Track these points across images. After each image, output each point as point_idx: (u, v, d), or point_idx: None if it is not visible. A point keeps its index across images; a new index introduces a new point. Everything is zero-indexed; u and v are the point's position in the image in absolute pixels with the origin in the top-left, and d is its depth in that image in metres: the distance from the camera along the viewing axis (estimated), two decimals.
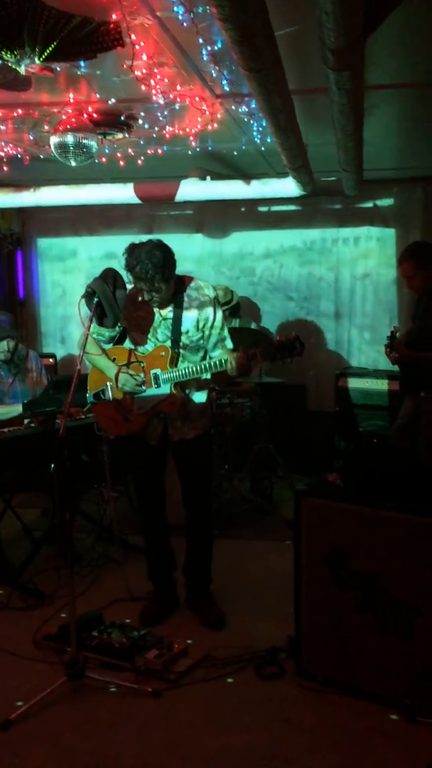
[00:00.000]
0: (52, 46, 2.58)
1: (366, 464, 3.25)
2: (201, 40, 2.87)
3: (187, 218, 6.94)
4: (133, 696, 3.07)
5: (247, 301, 6.76)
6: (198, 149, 4.80)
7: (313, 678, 3.14)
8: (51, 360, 6.69)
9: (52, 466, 3.06)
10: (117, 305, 3.40)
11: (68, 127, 3.83)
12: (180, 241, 6.82)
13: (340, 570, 3.05)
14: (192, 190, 5.13)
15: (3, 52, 2.62)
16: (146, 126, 4.23)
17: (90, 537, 4.74)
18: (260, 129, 4.23)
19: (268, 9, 2.10)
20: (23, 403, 4.42)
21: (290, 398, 6.52)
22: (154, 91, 3.40)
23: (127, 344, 3.70)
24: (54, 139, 3.87)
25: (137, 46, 2.88)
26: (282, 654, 3.33)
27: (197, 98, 3.75)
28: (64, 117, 3.91)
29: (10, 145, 4.74)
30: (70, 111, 3.93)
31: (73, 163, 3.94)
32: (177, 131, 4.29)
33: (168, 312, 3.54)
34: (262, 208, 6.71)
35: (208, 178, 5.20)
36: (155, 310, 3.55)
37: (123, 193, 5.26)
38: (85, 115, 3.96)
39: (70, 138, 3.83)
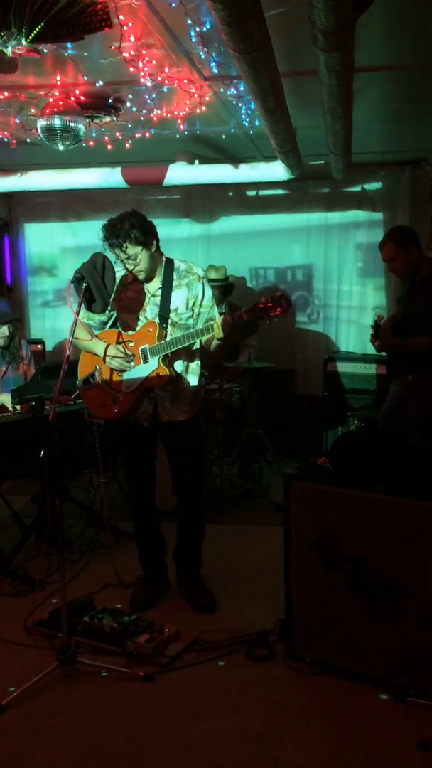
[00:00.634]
0: (39, 26, 2.54)
1: (354, 447, 3.26)
2: (189, 21, 2.84)
3: (175, 203, 6.91)
4: (124, 680, 3.08)
5: (241, 281, 6.75)
6: (186, 133, 4.76)
7: (303, 660, 3.16)
8: (39, 346, 6.66)
9: (42, 452, 3.04)
10: (106, 290, 3.38)
11: (55, 110, 3.79)
12: (168, 226, 6.80)
13: (329, 553, 3.07)
14: (180, 174, 5.11)
15: None
16: (134, 109, 4.20)
17: (80, 523, 4.73)
18: (249, 112, 4.20)
19: None
20: (12, 390, 4.40)
21: (279, 383, 6.54)
22: (142, 74, 3.37)
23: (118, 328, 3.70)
24: (41, 123, 3.83)
25: (125, 27, 2.85)
26: (272, 637, 3.36)
27: (185, 81, 3.72)
28: (51, 100, 3.86)
29: None
30: (57, 94, 3.89)
31: (61, 147, 3.90)
32: (165, 114, 4.26)
33: (157, 289, 3.55)
34: (250, 193, 6.69)
35: (197, 162, 5.17)
36: (144, 288, 3.55)
37: (110, 177, 5.23)
38: (73, 98, 3.92)
39: (57, 121, 3.79)
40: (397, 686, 2.92)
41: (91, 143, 4.83)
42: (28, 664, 3.19)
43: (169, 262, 3.59)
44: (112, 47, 3.01)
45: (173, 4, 2.65)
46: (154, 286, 3.57)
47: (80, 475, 5.08)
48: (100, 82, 3.67)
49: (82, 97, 3.94)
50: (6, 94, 3.95)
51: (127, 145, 4.88)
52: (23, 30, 2.54)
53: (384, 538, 2.93)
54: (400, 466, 3.09)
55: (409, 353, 4.39)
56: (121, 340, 3.61)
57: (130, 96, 3.99)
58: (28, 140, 4.81)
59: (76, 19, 2.58)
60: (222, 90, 3.84)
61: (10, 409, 4.45)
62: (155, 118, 4.30)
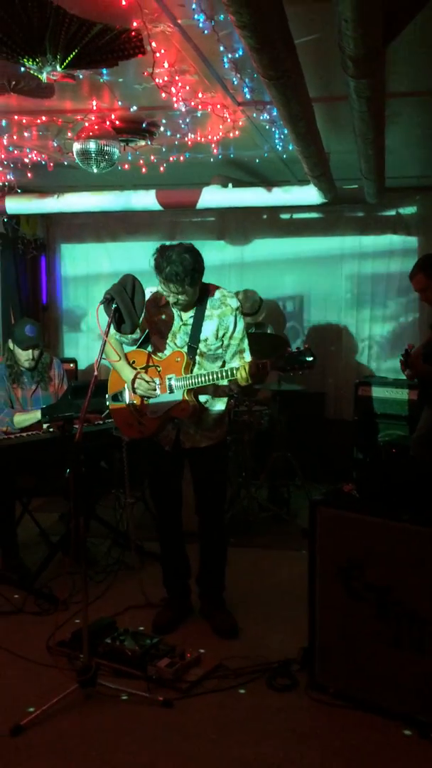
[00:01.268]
0: (74, 53, 2.59)
1: (383, 475, 3.21)
2: (222, 48, 2.87)
3: (209, 225, 6.96)
4: (144, 705, 3.05)
5: (273, 305, 6.74)
6: (220, 156, 4.80)
7: (325, 691, 3.10)
8: (71, 365, 6.73)
9: (68, 471, 3.06)
10: (135, 311, 3.39)
11: (91, 134, 3.85)
12: (202, 248, 6.81)
13: (354, 581, 3.02)
14: (214, 197, 5.14)
15: (25, 60, 2.64)
16: (168, 133, 4.24)
17: (106, 542, 4.74)
18: (282, 137, 4.22)
19: (287, 16, 2.09)
20: (42, 408, 4.44)
21: (309, 406, 6.49)
22: (174, 99, 3.40)
23: (148, 348, 3.71)
24: (76, 146, 3.89)
25: (158, 54, 2.89)
26: (295, 666, 3.30)
27: (219, 106, 3.75)
28: (86, 124, 3.93)
29: (35, 152, 4.78)
30: (93, 118, 3.96)
31: (95, 170, 3.96)
32: (199, 138, 4.30)
33: (189, 318, 3.54)
34: (284, 216, 6.70)
35: (230, 185, 5.20)
36: (176, 314, 3.55)
37: (145, 199, 5.28)
38: (108, 123, 3.98)
39: (92, 145, 3.85)
40: (422, 722, 2.84)
41: (126, 166, 4.90)
42: (48, 684, 3.18)
43: (204, 290, 3.55)
44: (146, 73, 3.04)
45: (206, 32, 2.68)
46: (187, 315, 3.55)
47: (108, 494, 5.09)
48: (135, 107, 3.72)
49: (117, 122, 4.00)
50: (44, 118, 4.03)
51: (161, 169, 4.93)
52: (58, 56, 2.59)
53: (410, 568, 2.88)
54: (428, 495, 3.04)
55: None
56: (150, 364, 3.62)
57: (164, 120, 4.04)
58: (66, 163, 4.89)
59: (110, 46, 2.63)
60: (255, 115, 3.87)
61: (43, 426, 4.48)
62: (189, 142, 4.34)
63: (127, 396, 3.69)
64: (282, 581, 4.35)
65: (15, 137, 4.36)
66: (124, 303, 3.33)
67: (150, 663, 3.26)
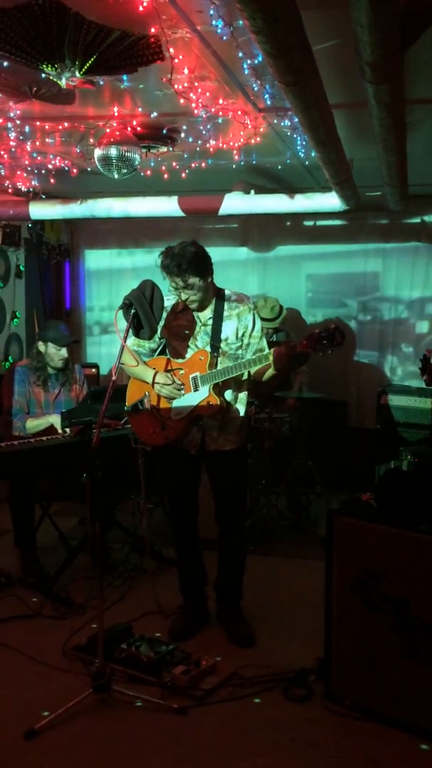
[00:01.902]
0: (92, 59, 2.60)
1: (401, 484, 3.17)
2: (241, 54, 2.86)
3: (232, 231, 6.95)
4: (158, 712, 3.03)
5: (295, 313, 6.72)
6: (242, 163, 4.80)
7: (341, 702, 3.06)
8: (93, 370, 6.76)
9: (85, 476, 3.07)
10: (154, 317, 3.40)
11: (112, 140, 3.86)
12: (225, 254, 6.85)
13: (371, 592, 2.98)
14: (236, 203, 5.14)
15: (44, 66, 2.66)
16: (190, 139, 4.25)
17: (124, 548, 4.74)
18: (304, 143, 4.20)
19: (304, 22, 2.08)
20: (61, 413, 4.46)
21: (331, 414, 6.45)
22: (194, 105, 3.41)
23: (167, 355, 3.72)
24: (98, 152, 3.91)
25: (177, 60, 2.89)
26: (311, 676, 3.26)
27: (240, 112, 3.74)
28: (108, 130, 3.95)
29: (58, 158, 4.82)
30: (114, 124, 3.98)
31: (116, 176, 3.97)
32: (220, 145, 4.30)
33: (208, 318, 3.58)
34: (308, 223, 6.68)
35: (252, 191, 5.19)
36: (196, 317, 3.57)
37: (167, 205, 5.29)
38: (129, 129, 3.99)
39: (113, 151, 3.87)
40: None
41: (149, 172, 4.92)
42: (63, 688, 3.19)
43: (221, 292, 3.63)
44: (164, 79, 3.05)
45: (225, 38, 2.68)
46: (205, 316, 3.60)
47: (127, 499, 5.09)
48: (155, 114, 3.73)
49: (138, 128, 4.02)
50: (66, 124, 4.06)
51: (183, 175, 4.94)
52: (77, 62, 2.61)
53: (428, 580, 2.83)
54: None
55: None
56: (170, 368, 3.63)
57: (185, 127, 4.05)
58: (89, 169, 4.92)
59: (129, 52, 2.64)
60: (276, 121, 3.86)
61: (60, 431, 4.51)
62: (211, 149, 4.34)
63: (147, 402, 3.68)
64: (300, 590, 4.31)
65: (38, 143, 4.40)
66: (143, 309, 3.34)
67: (165, 670, 3.25)
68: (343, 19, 2.28)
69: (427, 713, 2.85)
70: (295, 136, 4.11)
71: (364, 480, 5.84)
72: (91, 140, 4.25)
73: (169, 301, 3.60)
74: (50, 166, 4.94)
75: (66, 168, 4.97)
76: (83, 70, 2.65)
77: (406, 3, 2.17)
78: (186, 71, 3.08)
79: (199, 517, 3.83)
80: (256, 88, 3.36)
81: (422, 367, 4.35)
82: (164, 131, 4.08)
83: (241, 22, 2.54)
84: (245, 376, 3.62)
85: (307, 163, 4.81)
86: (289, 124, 3.84)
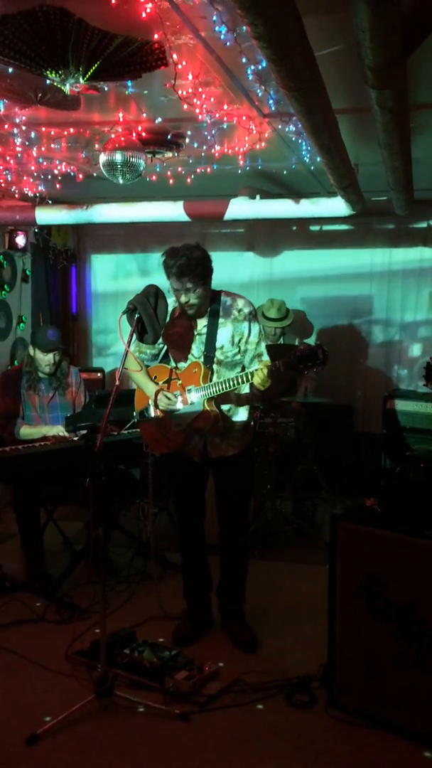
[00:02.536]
0: (96, 65, 2.61)
1: (405, 489, 3.16)
2: (245, 60, 2.87)
3: (238, 236, 6.96)
4: (160, 718, 3.03)
5: (301, 316, 6.71)
6: (248, 168, 4.80)
7: (345, 709, 3.05)
8: (99, 375, 6.77)
9: (88, 480, 3.07)
10: (158, 322, 3.39)
11: (117, 145, 3.87)
12: (231, 259, 6.85)
13: (375, 598, 2.97)
14: (241, 208, 5.14)
15: (48, 72, 2.67)
16: (195, 145, 4.25)
17: (129, 552, 4.73)
18: (309, 148, 4.20)
19: (306, 27, 2.08)
20: (66, 417, 4.46)
21: (337, 419, 6.43)
22: (197, 110, 3.41)
23: (171, 363, 3.71)
24: (102, 158, 3.91)
25: (180, 66, 2.90)
26: (314, 682, 3.25)
27: (245, 117, 3.74)
28: (113, 136, 3.96)
29: (64, 163, 4.83)
30: (120, 130, 3.98)
31: (121, 181, 3.98)
32: (226, 150, 4.30)
33: (203, 327, 3.55)
34: (314, 228, 6.67)
35: (258, 196, 5.19)
36: (192, 324, 3.55)
37: (173, 210, 5.30)
38: (134, 134, 4.00)
39: (118, 156, 3.87)
40: None
41: (154, 178, 4.93)
42: (66, 693, 3.18)
43: (216, 297, 3.58)
44: (168, 85, 3.06)
45: (228, 43, 2.68)
46: (200, 323, 3.56)
47: (132, 504, 5.10)
48: (160, 119, 3.74)
49: (143, 134, 4.02)
50: (72, 130, 4.07)
51: (188, 180, 4.95)
52: (80, 68, 2.61)
53: None
54: None
55: None
56: (172, 377, 3.62)
57: (190, 132, 4.05)
58: (95, 174, 4.93)
59: (132, 58, 2.64)
60: (281, 126, 3.85)
61: (66, 434, 4.50)
62: (216, 154, 4.34)
63: (152, 411, 3.69)
64: (304, 595, 4.30)
65: (44, 149, 4.42)
66: (147, 313, 3.34)
67: (168, 675, 3.25)
68: (345, 24, 2.28)
69: (431, 720, 2.83)
70: (300, 141, 4.11)
71: (370, 485, 5.82)
72: (97, 146, 4.26)
73: (171, 305, 3.58)
74: (56, 172, 4.95)
75: (72, 173, 4.99)
76: (87, 76, 2.66)
77: (407, 7, 2.17)
78: (190, 77, 3.09)
79: (206, 522, 3.82)
80: (260, 94, 3.36)
81: (426, 374, 4.35)
82: (169, 137, 4.09)
83: (244, 27, 2.54)
84: (244, 389, 3.55)
85: (312, 168, 4.81)
86: (294, 129, 3.83)
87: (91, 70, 2.63)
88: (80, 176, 4.99)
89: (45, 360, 4.61)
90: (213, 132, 3.96)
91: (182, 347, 3.59)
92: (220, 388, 3.41)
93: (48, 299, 6.92)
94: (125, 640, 3.50)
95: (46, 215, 5.64)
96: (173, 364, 3.67)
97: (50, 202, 5.77)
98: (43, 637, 3.76)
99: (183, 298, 3.46)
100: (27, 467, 4.20)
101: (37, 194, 5.64)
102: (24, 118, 3.78)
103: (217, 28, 2.57)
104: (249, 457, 3.80)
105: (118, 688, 3.14)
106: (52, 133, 4.11)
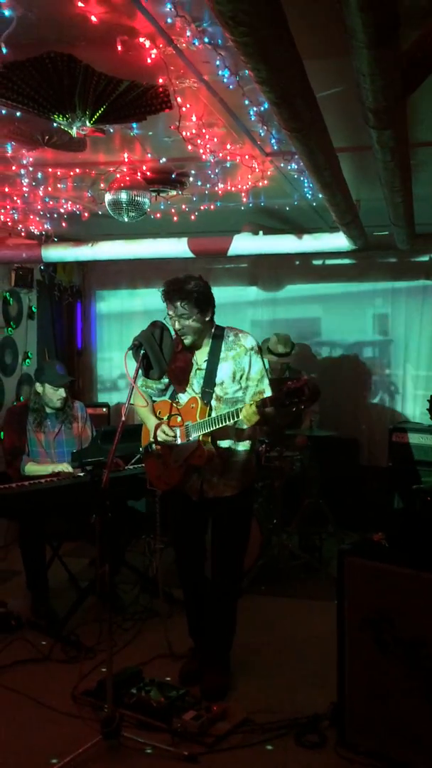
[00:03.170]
0: (102, 109, 2.67)
1: (413, 524, 3.15)
2: (247, 102, 2.93)
3: (241, 271, 7.02)
4: (168, 759, 2.98)
5: (306, 349, 6.73)
6: (251, 204, 4.87)
7: (355, 749, 3.00)
8: (104, 410, 6.78)
9: (94, 516, 3.06)
10: (163, 358, 3.41)
11: (122, 185, 3.94)
12: (235, 294, 6.91)
13: (384, 634, 2.94)
14: (244, 244, 5.20)
15: (56, 116, 2.73)
16: (198, 183, 4.32)
17: (135, 589, 4.70)
18: (311, 185, 4.26)
19: (307, 70, 2.13)
20: (72, 453, 4.47)
21: (342, 452, 6.41)
22: (201, 151, 3.47)
23: (173, 396, 3.72)
24: (108, 197, 3.98)
25: (184, 108, 2.96)
26: (324, 721, 3.21)
27: (247, 156, 3.81)
28: (118, 175, 4.03)
29: (70, 203, 4.91)
30: (125, 170, 4.06)
31: (126, 219, 4.04)
32: (229, 188, 4.37)
33: (203, 362, 3.53)
34: (317, 262, 6.74)
35: (261, 232, 5.26)
36: (193, 361, 3.55)
37: (177, 247, 5.37)
38: (139, 174, 4.07)
39: (123, 195, 3.93)
40: None
41: (158, 215, 5.00)
42: (72, 734, 3.14)
43: (219, 332, 3.56)
44: (172, 127, 3.12)
45: (231, 86, 2.74)
46: (201, 358, 3.55)
47: (137, 539, 5.07)
48: (164, 159, 3.81)
49: (148, 173, 4.09)
50: (77, 170, 4.14)
51: (193, 217, 5.01)
52: (87, 112, 2.68)
53: None
54: None
55: None
56: (173, 412, 3.62)
57: (194, 171, 4.12)
58: (100, 212, 5.01)
59: (137, 102, 2.70)
60: (283, 165, 3.92)
61: (71, 470, 4.50)
62: (219, 192, 4.41)
63: (155, 446, 3.68)
64: (312, 632, 4.25)
65: (51, 189, 4.49)
66: (153, 349, 3.36)
67: (175, 715, 3.20)
68: (345, 66, 2.34)
69: None
70: (302, 178, 4.17)
71: (377, 519, 5.79)
72: (102, 185, 4.33)
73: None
74: (62, 211, 5.03)
75: (77, 212, 5.06)
76: (93, 119, 2.72)
77: (407, 51, 2.22)
78: (194, 118, 3.15)
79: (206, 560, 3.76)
80: (262, 134, 3.42)
81: (430, 408, 4.36)
82: (173, 176, 4.15)
83: (246, 71, 2.61)
84: (242, 425, 3.44)
85: (314, 204, 4.88)
86: (296, 167, 3.90)
87: (98, 114, 2.70)
88: (86, 214, 5.07)
89: (56, 395, 4.64)
90: (216, 171, 4.03)
91: (182, 381, 3.57)
92: (212, 425, 3.36)
93: (53, 335, 6.97)
94: (132, 679, 3.46)
95: (52, 253, 5.71)
96: (177, 399, 3.68)
97: (56, 239, 5.84)
98: (49, 677, 3.72)
99: (177, 325, 3.45)
100: (33, 503, 4.19)
101: (43, 232, 5.73)
102: (31, 159, 3.85)
103: (220, 72, 2.63)
104: (247, 498, 3.67)
105: (125, 728, 3.10)
106: (59, 173, 4.19)
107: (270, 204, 5.01)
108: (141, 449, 3.83)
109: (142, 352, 3.36)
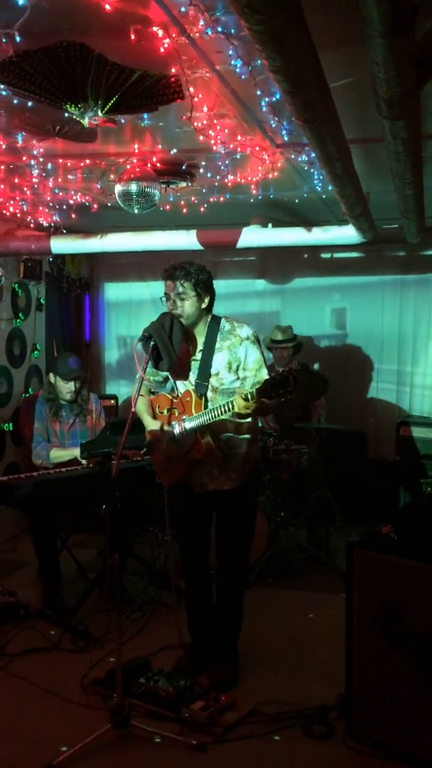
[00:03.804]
0: (114, 99, 2.66)
1: (422, 517, 3.15)
2: (259, 92, 2.92)
3: (249, 264, 7.01)
4: (177, 748, 3.00)
5: (308, 341, 6.72)
6: (260, 197, 4.86)
7: (363, 740, 3.01)
8: (112, 401, 6.79)
9: (104, 507, 3.07)
10: (173, 348, 3.41)
11: (132, 176, 3.93)
12: (243, 287, 6.91)
13: (392, 627, 2.94)
14: (253, 237, 5.18)
15: (68, 105, 2.72)
16: (208, 175, 4.31)
17: (143, 580, 4.71)
18: (321, 177, 4.25)
19: (321, 60, 2.13)
20: (81, 444, 4.48)
21: (350, 445, 6.41)
22: (212, 141, 3.47)
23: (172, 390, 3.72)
24: (118, 188, 3.98)
25: (196, 98, 2.95)
26: (332, 713, 3.21)
27: (258, 148, 3.80)
28: (128, 167, 4.02)
29: (79, 194, 4.91)
30: (135, 161, 4.05)
31: (136, 211, 4.03)
32: (239, 180, 4.36)
33: (198, 353, 3.53)
34: (325, 255, 6.72)
35: (270, 225, 5.24)
36: (190, 349, 3.55)
37: (186, 239, 5.35)
38: (149, 165, 4.07)
39: (133, 187, 3.93)
40: None
41: (168, 207, 4.99)
42: (81, 723, 3.16)
43: (215, 321, 3.54)
44: (184, 117, 3.12)
45: (243, 77, 2.73)
46: (196, 349, 3.54)
47: (146, 531, 5.09)
48: (175, 150, 3.80)
49: (158, 164, 4.09)
50: (88, 161, 4.14)
51: (202, 209, 5.01)
52: (99, 102, 2.67)
53: None
54: None
55: None
56: (171, 406, 3.61)
57: (204, 162, 4.11)
58: (109, 204, 5.01)
59: (149, 92, 2.70)
60: (293, 156, 3.91)
61: (80, 460, 4.53)
62: (229, 183, 4.40)
63: (176, 428, 3.66)
64: (320, 625, 4.26)
65: (60, 180, 4.49)
66: (162, 341, 3.36)
67: (184, 705, 3.21)
68: (359, 56, 2.33)
69: None
70: (312, 170, 4.16)
71: (384, 512, 5.79)
72: (112, 176, 4.33)
73: None
74: (71, 202, 5.03)
75: (87, 203, 5.06)
76: (105, 109, 2.71)
77: (421, 40, 2.21)
78: (205, 109, 3.14)
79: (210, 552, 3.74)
80: (273, 125, 3.41)
81: None
82: (183, 167, 4.15)
83: (259, 61, 2.60)
84: (247, 419, 3.42)
85: (324, 196, 4.86)
86: (307, 159, 3.89)
87: (110, 104, 2.69)
88: (95, 206, 5.07)
89: (66, 388, 4.71)
90: (226, 162, 4.02)
91: (179, 373, 3.57)
92: (207, 418, 3.34)
93: (62, 327, 6.98)
94: (140, 669, 3.48)
95: (61, 245, 5.70)
96: (175, 393, 3.66)
97: (65, 231, 5.84)
98: (58, 666, 3.74)
99: (171, 305, 3.46)
100: (43, 494, 4.20)
101: (52, 224, 5.72)
102: (41, 149, 3.85)
103: (232, 62, 2.63)
104: (250, 491, 3.62)
105: (134, 717, 3.11)
106: (69, 164, 4.18)
107: (279, 196, 4.99)
108: (145, 443, 3.80)
109: (152, 343, 3.37)
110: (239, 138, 3.64)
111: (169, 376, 3.67)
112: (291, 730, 3.15)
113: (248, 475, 3.57)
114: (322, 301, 6.89)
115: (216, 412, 3.29)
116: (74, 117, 2.84)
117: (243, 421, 3.44)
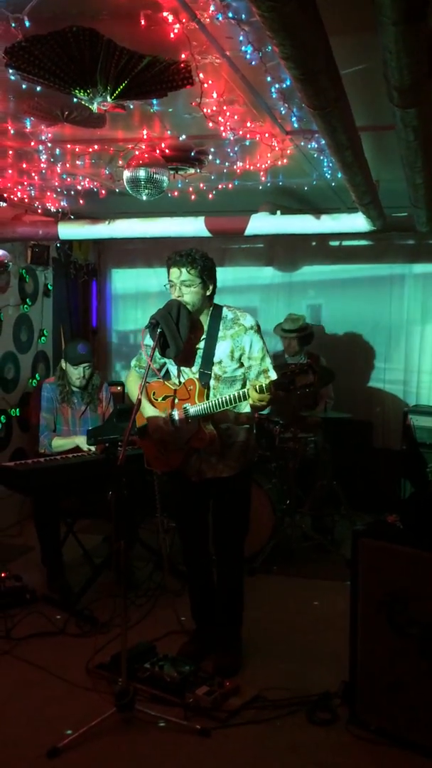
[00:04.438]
0: (123, 84, 2.65)
1: (427, 506, 3.15)
2: (269, 78, 2.90)
3: (258, 251, 6.99)
4: (181, 733, 3.03)
5: (320, 330, 6.70)
6: (269, 184, 4.83)
7: (366, 727, 3.03)
8: (119, 388, 6.78)
9: (110, 493, 3.08)
10: (180, 336, 3.40)
11: (140, 162, 3.91)
12: (251, 274, 6.89)
13: (397, 615, 2.95)
14: (261, 224, 5.16)
15: (77, 91, 2.71)
16: (217, 161, 4.29)
17: (148, 566, 4.74)
18: (330, 165, 4.22)
19: (332, 47, 2.11)
20: (87, 431, 4.50)
21: (356, 434, 6.41)
22: (222, 128, 3.45)
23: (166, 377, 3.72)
24: (126, 174, 3.96)
25: (206, 84, 2.93)
26: (336, 700, 3.24)
27: (267, 135, 3.77)
28: (137, 152, 4.01)
29: (87, 180, 4.89)
30: (143, 147, 4.03)
31: (144, 198, 4.02)
32: (247, 167, 4.34)
33: (201, 342, 3.52)
34: (334, 243, 6.68)
35: (278, 212, 5.22)
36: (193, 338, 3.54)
37: (194, 226, 5.33)
38: (158, 151, 4.05)
39: (142, 173, 3.91)
40: None
41: (176, 193, 4.97)
42: (86, 707, 3.19)
43: (217, 311, 3.55)
44: (194, 103, 3.10)
45: (254, 63, 2.71)
46: (200, 337, 3.54)
47: (151, 518, 5.10)
48: (184, 136, 3.78)
49: (167, 150, 4.07)
50: (96, 147, 4.12)
51: (210, 196, 4.98)
52: (108, 87, 2.66)
53: None
54: None
55: None
56: (168, 394, 3.61)
57: (213, 149, 4.09)
58: (117, 190, 4.99)
59: (159, 77, 2.68)
60: (303, 143, 3.88)
61: (85, 449, 4.55)
62: (238, 170, 4.38)
63: (176, 414, 3.66)
64: (324, 612, 4.28)
65: (68, 165, 4.48)
66: (169, 328, 3.36)
67: (188, 690, 3.24)
68: (371, 43, 2.31)
69: None
70: (321, 158, 4.13)
71: (390, 501, 5.80)
72: (120, 162, 4.31)
73: None
74: (79, 188, 5.01)
75: (95, 189, 5.04)
76: (115, 95, 2.70)
77: None
78: (215, 95, 3.12)
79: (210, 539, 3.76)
80: (283, 112, 3.39)
81: None
82: (192, 153, 4.13)
83: (270, 47, 2.58)
84: (244, 408, 3.49)
85: (333, 184, 4.83)
86: (316, 146, 3.86)
87: (119, 90, 2.67)
88: (103, 192, 5.05)
89: (75, 373, 4.73)
90: (235, 149, 4.00)
91: (183, 361, 3.56)
92: (214, 407, 3.35)
93: (69, 313, 6.98)
94: (145, 654, 3.51)
95: (68, 230, 5.69)
96: (174, 381, 3.66)
97: (72, 217, 5.83)
98: (63, 650, 3.77)
99: (176, 293, 3.45)
100: (48, 481, 4.22)
101: (60, 209, 5.71)
102: (50, 135, 3.84)
103: (243, 48, 2.60)
104: (245, 477, 3.67)
105: (138, 702, 3.15)
106: (77, 150, 4.17)
107: (288, 184, 4.96)
108: (134, 430, 3.71)
109: (159, 330, 3.37)
110: (248, 124, 3.62)
111: (167, 363, 3.67)
112: (294, 716, 3.18)
113: (246, 463, 3.61)
114: (329, 290, 6.85)
115: (227, 402, 3.30)
116: (83, 102, 2.83)
117: (243, 411, 3.47)
